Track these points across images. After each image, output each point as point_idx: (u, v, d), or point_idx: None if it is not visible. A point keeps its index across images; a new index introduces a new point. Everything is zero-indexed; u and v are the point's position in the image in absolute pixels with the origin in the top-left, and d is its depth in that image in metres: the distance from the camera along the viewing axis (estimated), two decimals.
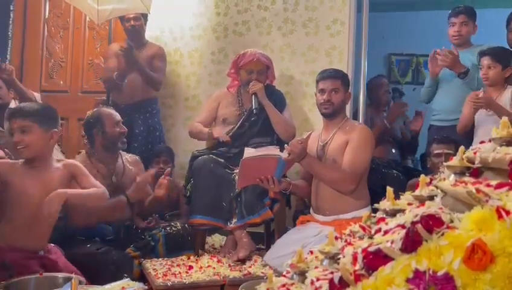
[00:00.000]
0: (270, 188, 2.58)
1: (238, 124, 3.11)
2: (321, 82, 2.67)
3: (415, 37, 5.10)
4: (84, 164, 2.49)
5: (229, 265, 2.59)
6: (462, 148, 1.05)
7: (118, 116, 2.83)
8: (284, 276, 1.22)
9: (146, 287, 1.98)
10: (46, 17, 4.29)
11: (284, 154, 2.47)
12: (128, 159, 2.89)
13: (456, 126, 3.03)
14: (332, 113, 2.64)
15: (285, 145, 2.52)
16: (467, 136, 2.91)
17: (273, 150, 2.56)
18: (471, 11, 3.27)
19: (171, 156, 3.40)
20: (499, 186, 0.89)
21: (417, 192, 1.07)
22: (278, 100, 3.18)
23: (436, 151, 2.88)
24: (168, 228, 2.81)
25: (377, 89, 3.89)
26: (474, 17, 3.26)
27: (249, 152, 2.53)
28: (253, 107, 3.04)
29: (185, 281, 2.33)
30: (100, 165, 2.73)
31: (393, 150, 3.78)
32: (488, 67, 2.83)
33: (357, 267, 0.91)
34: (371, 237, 1.01)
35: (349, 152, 2.54)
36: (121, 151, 2.87)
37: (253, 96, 3.05)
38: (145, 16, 3.66)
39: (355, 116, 3.48)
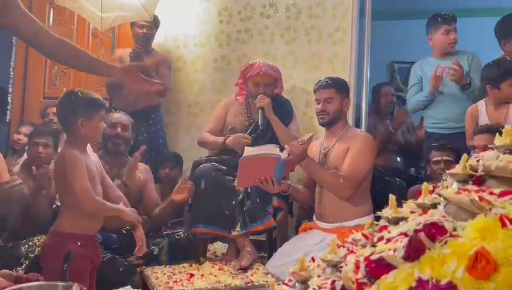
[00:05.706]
0: (269, 189, 2.57)
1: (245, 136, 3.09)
2: (316, 92, 2.68)
3: (418, 45, 5.09)
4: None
5: (231, 273, 2.58)
6: (465, 155, 1.04)
7: (116, 119, 2.86)
8: (286, 284, 1.21)
9: None
10: (50, 24, 4.31)
11: (284, 155, 2.47)
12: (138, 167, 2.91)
13: (456, 134, 3.02)
14: (328, 123, 2.66)
15: (286, 145, 2.52)
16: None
17: (273, 149, 2.55)
18: (455, 17, 3.26)
19: (179, 163, 3.42)
20: (502, 194, 0.88)
21: (420, 200, 1.06)
22: (286, 112, 3.15)
23: (435, 159, 2.86)
24: (171, 237, 2.80)
25: (382, 96, 3.89)
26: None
27: (248, 151, 2.53)
28: (259, 123, 3.03)
29: (186, 289, 2.32)
30: (107, 167, 2.76)
31: (398, 158, 3.78)
32: None
33: (359, 275, 0.90)
34: (373, 245, 1.00)
35: (349, 158, 2.53)
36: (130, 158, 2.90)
37: (259, 110, 3.02)
38: (156, 25, 3.68)
39: (357, 123, 3.47)
